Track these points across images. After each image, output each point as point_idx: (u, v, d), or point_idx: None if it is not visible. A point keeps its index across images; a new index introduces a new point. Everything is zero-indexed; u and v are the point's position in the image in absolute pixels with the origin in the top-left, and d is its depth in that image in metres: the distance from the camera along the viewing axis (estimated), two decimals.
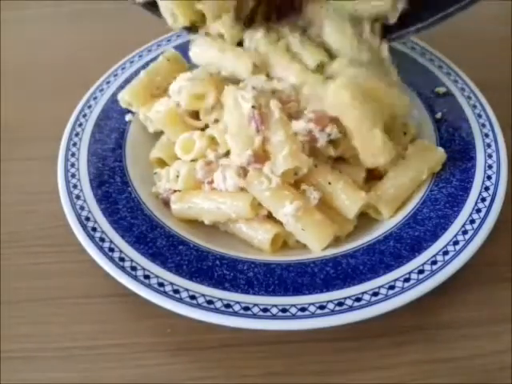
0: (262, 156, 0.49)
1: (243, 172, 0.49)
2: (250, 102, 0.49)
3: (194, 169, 0.52)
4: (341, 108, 0.50)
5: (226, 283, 0.46)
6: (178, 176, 0.52)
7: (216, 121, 0.53)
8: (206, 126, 0.54)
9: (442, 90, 0.61)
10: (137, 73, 0.61)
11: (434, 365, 0.45)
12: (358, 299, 0.44)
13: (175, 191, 0.53)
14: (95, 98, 0.61)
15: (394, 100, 0.53)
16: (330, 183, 0.50)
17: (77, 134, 0.57)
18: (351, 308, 0.44)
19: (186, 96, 0.53)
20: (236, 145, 0.50)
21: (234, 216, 0.50)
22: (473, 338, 0.47)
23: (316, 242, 0.49)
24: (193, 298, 0.44)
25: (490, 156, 0.54)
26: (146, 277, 0.46)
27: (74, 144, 0.56)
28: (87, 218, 0.50)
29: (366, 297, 0.44)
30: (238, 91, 0.50)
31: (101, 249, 0.47)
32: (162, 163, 0.56)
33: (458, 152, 0.55)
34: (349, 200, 0.49)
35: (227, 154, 0.51)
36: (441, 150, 0.54)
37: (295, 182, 0.50)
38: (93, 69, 0.64)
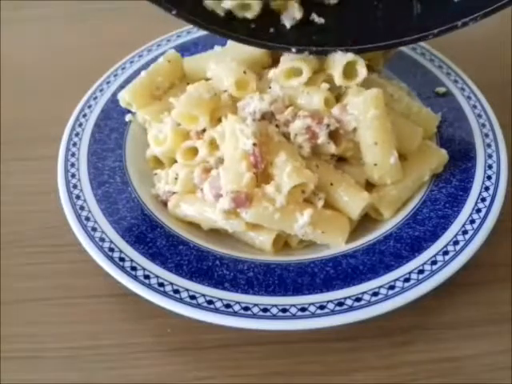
0: (249, 195, 0.47)
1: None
2: (250, 139, 0.48)
3: (192, 172, 0.52)
4: (365, 119, 0.49)
5: (226, 283, 0.46)
6: (176, 178, 0.52)
7: (217, 122, 0.53)
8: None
9: (441, 90, 0.61)
10: (137, 73, 0.61)
11: (434, 365, 0.45)
12: (358, 299, 0.44)
13: (174, 193, 0.53)
14: (95, 98, 0.61)
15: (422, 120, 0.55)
16: (332, 184, 0.50)
17: (77, 134, 0.57)
18: (351, 308, 0.44)
19: (177, 115, 0.52)
20: (226, 179, 0.48)
21: (230, 230, 0.50)
22: (473, 338, 0.47)
23: (338, 237, 0.49)
24: (193, 298, 0.44)
25: (490, 156, 0.54)
26: (146, 277, 0.46)
27: (74, 144, 0.56)
28: (87, 218, 0.50)
29: (366, 297, 0.44)
30: (237, 125, 0.49)
31: (101, 249, 0.47)
32: (160, 162, 0.56)
33: (458, 152, 0.55)
34: (351, 201, 0.49)
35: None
36: (443, 151, 0.54)
37: None
38: (93, 69, 0.64)
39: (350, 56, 0.50)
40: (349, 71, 0.51)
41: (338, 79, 0.51)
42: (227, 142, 0.49)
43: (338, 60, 0.51)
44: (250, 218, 0.47)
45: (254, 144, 0.48)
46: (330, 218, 0.49)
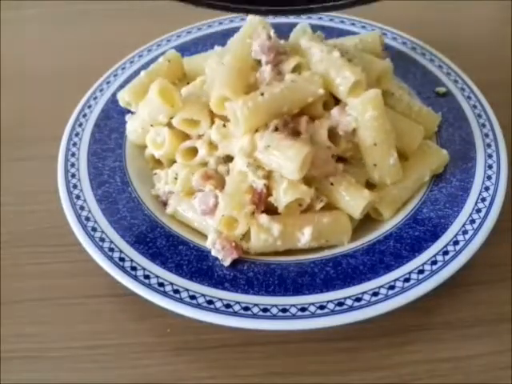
0: (237, 246, 0.47)
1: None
2: (261, 180, 0.48)
3: (192, 172, 0.51)
4: (363, 120, 0.49)
5: (226, 283, 0.46)
6: (176, 178, 0.52)
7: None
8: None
9: (442, 90, 0.61)
10: (137, 73, 0.61)
11: (434, 365, 0.45)
12: (358, 299, 0.44)
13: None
14: (95, 98, 0.61)
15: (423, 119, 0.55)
16: (332, 184, 0.50)
17: (77, 134, 0.57)
18: (351, 308, 0.43)
19: (178, 120, 0.52)
20: (225, 205, 0.48)
21: None
22: (473, 338, 0.47)
23: (342, 238, 0.49)
24: (193, 298, 0.44)
25: (490, 156, 0.54)
26: (146, 277, 0.46)
27: (74, 144, 0.56)
28: (87, 218, 0.50)
29: (366, 297, 0.44)
30: (249, 167, 0.48)
31: (101, 249, 0.47)
32: (159, 162, 0.56)
33: (458, 152, 0.55)
34: (353, 200, 0.49)
35: (226, 160, 0.51)
36: (444, 151, 0.54)
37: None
38: (93, 69, 0.64)
39: (352, 79, 0.49)
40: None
41: (345, 97, 0.50)
42: (236, 174, 0.49)
43: (346, 79, 0.50)
44: (253, 252, 0.48)
45: (265, 185, 0.48)
46: (330, 225, 0.49)
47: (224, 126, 0.51)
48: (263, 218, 0.47)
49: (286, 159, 0.47)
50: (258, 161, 0.48)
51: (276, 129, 0.50)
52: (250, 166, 0.48)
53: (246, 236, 0.48)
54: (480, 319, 0.48)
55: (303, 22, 0.60)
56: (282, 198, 0.48)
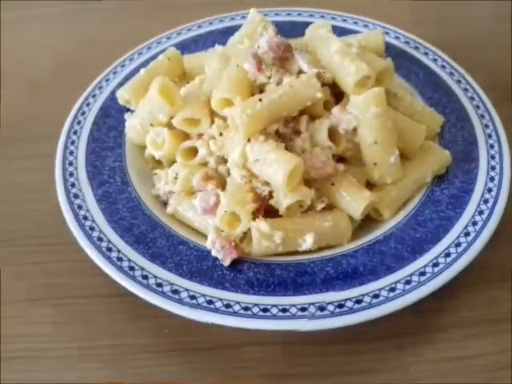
0: (237, 246, 0.48)
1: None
2: (267, 187, 0.48)
3: (192, 173, 0.51)
4: (364, 118, 0.49)
5: (226, 283, 0.45)
6: (176, 178, 0.52)
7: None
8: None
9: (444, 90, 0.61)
10: (136, 70, 0.60)
11: (434, 365, 0.45)
12: (359, 301, 0.44)
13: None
14: (94, 96, 0.60)
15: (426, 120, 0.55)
16: (333, 184, 0.49)
17: (75, 132, 0.57)
18: (351, 310, 0.43)
19: (179, 120, 0.52)
20: (227, 202, 0.48)
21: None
22: (473, 338, 0.47)
23: (342, 240, 0.49)
24: (193, 298, 0.44)
25: (492, 157, 0.53)
26: (145, 277, 0.45)
27: (73, 142, 0.56)
28: (85, 217, 0.49)
29: (367, 299, 0.44)
30: (242, 179, 0.49)
31: (99, 248, 0.47)
32: (159, 162, 0.55)
33: (461, 153, 0.54)
34: (353, 200, 0.49)
35: (226, 160, 0.51)
36: (446, 152, 0.53)
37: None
38: (92, 67, 0.64)
39: (365, 71, 0.50)
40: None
41: (351, 90, 0.50)
42: (234, 181, 0.49)
43: (353, 73, 0.50)
44: (255, 256, 0.48)
45: (270, 191, 0.48)
46: (331, 230, 0.48)
47: (221, 134, 0.50)
48: (264, 226, 0.47)
49: (273, 173, 0.47)
50: (251, 171, 0.49)
51: (276, 131, 0.50)
52: (243, 178, 0.48)
53: (247, 239, 0.48)
54: (480, 319, 0.48)
55: (317, 21, 0.60)
56: (282, 200, 0.48)
